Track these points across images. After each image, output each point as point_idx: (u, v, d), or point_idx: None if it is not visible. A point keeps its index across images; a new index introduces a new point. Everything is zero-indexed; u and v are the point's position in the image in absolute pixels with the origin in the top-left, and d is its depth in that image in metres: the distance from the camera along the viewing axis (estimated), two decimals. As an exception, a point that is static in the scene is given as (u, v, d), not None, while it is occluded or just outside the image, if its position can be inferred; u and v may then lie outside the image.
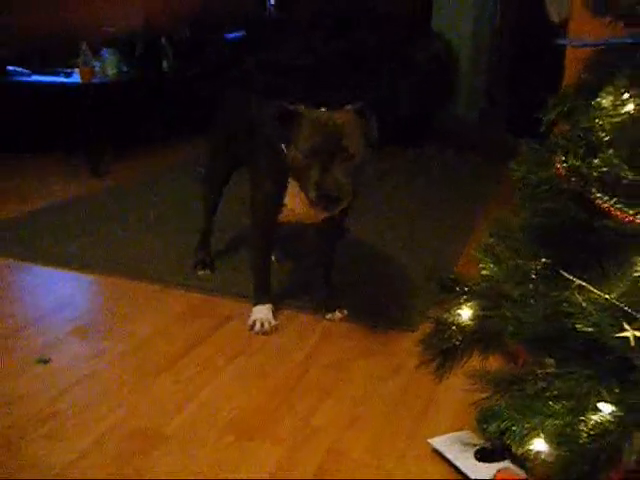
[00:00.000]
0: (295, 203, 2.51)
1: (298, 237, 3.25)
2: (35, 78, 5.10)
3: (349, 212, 2.63)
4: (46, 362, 2.35)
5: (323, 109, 2.37)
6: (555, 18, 5.15)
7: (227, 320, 2.70)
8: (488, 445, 1.79)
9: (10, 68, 5.16)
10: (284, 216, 2.59)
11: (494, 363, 1.65)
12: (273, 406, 2.14)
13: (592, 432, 1.19)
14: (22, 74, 5.16)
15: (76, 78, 5.00)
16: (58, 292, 2.96)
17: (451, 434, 1.92)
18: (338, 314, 2.74)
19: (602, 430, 1.19)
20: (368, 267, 3.28)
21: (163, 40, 5.95)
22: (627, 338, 1.16)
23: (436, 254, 3.39)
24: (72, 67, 5.13)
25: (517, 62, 6.49)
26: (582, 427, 1.21)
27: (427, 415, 2.09)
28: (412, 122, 5.97)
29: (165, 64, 5.92)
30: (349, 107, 2.36)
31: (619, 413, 1.18)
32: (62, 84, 5.00)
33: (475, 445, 1.82)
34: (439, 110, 6.54)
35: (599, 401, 1.21)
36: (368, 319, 2.71)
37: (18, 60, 5.23)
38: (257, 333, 2.60)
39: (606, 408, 1.20)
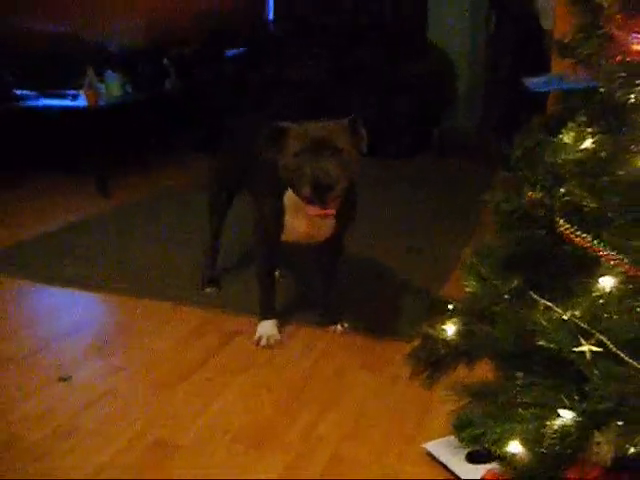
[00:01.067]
0: (296, 222, 2.64)
1: (301, 254, 3.39)
2: (43, 102, 5.27)
3: (348, 232, 2.79)
4: (67, 380, 2.50)
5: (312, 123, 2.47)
6: (546, 27, 5.31)
7: (234, 335, 2.85)
8: (477, 448, 1.94)
9: (18, 92, 5.34)
10: (286, 236, 2.71)
11: (480, 374, 1.80)
12: (279, 416, 2.30)
13: (555, 435, 1.36)
14: (30, 97, 5.32)
15: (82, 101, 5.14)
16: (73, 312, 3.12)
17: (444, 438, 2.07)
18: (339, 327, 2.89)
19: (564, 433, 1.35)
20: (367, 281, 3.43)
21: (165, 60, 6.11)
22: (584, 352, 1.33)
23: (431, 266, 3.54)
24: (77, 88, 5.28)
25: (513, 73, 6.62)
26: (547, 431, 1.38)
27: (422, 421, 2.25)
28: (410, 135, 6.13)
29: (168, 83, 6.08)
30: (340, 121, 2.47)
31: (578, 418, 1.35)
32: (69, 107, 5.15)
33: (466, 448, 1.97)
34: (436, 122, 6.68)
35: (561, 408, 1.38)
36: (367, 331, 2.86)
37: (25, 83, 5.41)
38: (263, 347, 2.75)
39: (567, 414, 1.36)
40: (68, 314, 3.09)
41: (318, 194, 2.31)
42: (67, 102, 5.23)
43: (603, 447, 1.48)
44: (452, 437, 2.04)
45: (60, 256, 3.75)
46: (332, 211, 2.38)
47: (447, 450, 2.01)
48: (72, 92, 5.31)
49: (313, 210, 2.37)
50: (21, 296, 3.29)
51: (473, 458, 1.94)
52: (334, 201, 2.37)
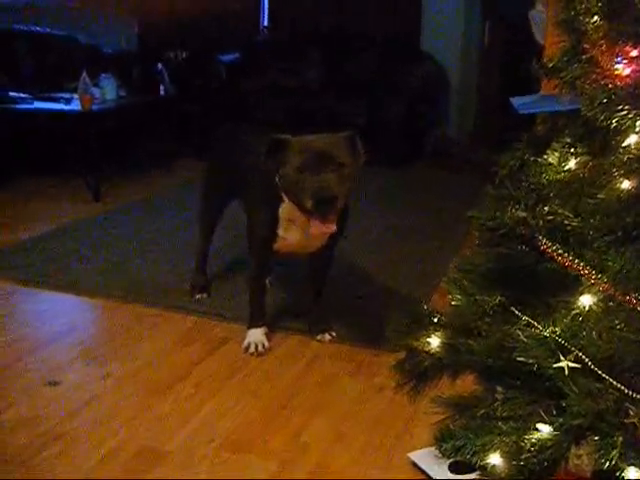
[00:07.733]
0: (289, 233, 2.68)
1: (291, 262, 3.42)
2: (37, 105, 5.27)
3: (337, 241, 2.82)
4: (55, 384, 2.52)
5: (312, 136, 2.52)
6: (540, 40, 5.36)
7: (223, 342, 2.88)
8: (460, 459, 1.97)
9: (13, 95, 5.33)
10: (279, 246, 2.74)
11: (465, 386, 1.84)
12: (266, 423, 2.33)
13: (533, 448, 1.40)
14: (24, 100, 5.32)
15: (76, 105, 5.12)
16: (62, 317, 3.13)
17: (428, 449, 2.10)
18: (327, 336, 2.92)
19: (541, 447, 1.39)
20: (355, 290, 3.45)
21: (159, 65, 6.12)
22: (562, 368, 1.37)
23: (419, 278, 3.58)
24: (71, 92, 5.28)
25: (506, 81, 6.67)
26: (525, 444, 1.42)
27: (407, 431, 2.28)
28: (402, 144, 6.16)
29: (162, 88, 6.08)
30: (338, 134, 2.52)
31: (555, 433, 1.39)
32: (63, 111, 5.15)
33: (449, 459, 2.00)
34: (429, 131, 6.71)
35: (539, 422, 1.42)
36: (354, 340, 2.90)
37: (20, 86, 5.41)
38: (251, 355, 2.78)
39: (545, 428, 1.40)
40: (57, 319, 3.10)
41: (320, 208, 2.37)
42: (61, 105, 5.22)
43: (584, 459, 1.52)
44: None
45: (49, 260, 3.75)
46: (334, 227, 2.44)
47: (430, 460, 2.04)
48: (66, 95, 5.31)
49: (316, 228, 2.41)
50: (9, 300, 3.30)
51: (456, 468, 1.98)
52: (335, 215, 2.42)
